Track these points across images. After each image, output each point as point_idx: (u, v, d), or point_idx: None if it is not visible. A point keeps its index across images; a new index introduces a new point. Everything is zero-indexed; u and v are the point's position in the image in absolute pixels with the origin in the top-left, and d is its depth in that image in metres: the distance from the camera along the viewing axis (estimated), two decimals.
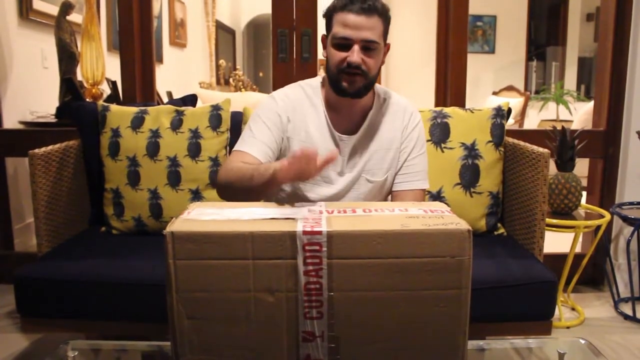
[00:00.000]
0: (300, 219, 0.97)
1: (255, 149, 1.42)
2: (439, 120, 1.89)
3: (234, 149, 1.47)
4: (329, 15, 1.42)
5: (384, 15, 1.39)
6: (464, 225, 0.94)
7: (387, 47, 1.46)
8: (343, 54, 1.38)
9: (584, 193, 2.32)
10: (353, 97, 1.43)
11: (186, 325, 0.94)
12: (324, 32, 1.47)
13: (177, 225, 0.94)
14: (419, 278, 0.93)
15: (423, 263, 0.93)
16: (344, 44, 1.37)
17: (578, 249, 2.31)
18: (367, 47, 1.37)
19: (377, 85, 1.52)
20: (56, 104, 2.71)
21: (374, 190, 1.52)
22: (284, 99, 1.50)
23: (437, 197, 1.84)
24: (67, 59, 2.67)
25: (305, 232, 0.91)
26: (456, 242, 0.93)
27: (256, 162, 1.39)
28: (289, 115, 1.49)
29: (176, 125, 1.92)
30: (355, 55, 1.36)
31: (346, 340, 0.95)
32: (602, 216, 2.21)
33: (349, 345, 0.95)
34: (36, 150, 1.78)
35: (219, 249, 0.92)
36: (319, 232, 0.91)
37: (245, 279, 0.92)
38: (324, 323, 0.94)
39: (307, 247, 0.91)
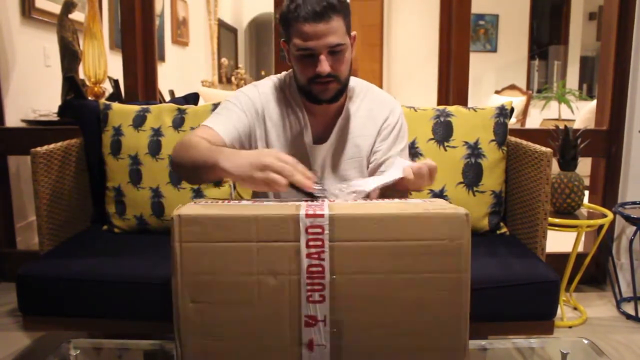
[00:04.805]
0: (303, 204, 0.99)
1: (221, 127, 1.33)
2: (442, 119, 1.89)
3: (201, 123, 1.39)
4: (284, 21, 1.30)
5: (343, 10, 1.28)
6: (461, 209, 0.97)
7: (353, 37, 1.36)
8: (310, 65, 1.29)
9: (587, 192, 2.31)
10: (329, 103, 1.37)
11: (190, 308, 0.96)
12: (283, 39, 1.36)
13: (184, 209, 0.96)
14: (419, 261, 0.96)
15: (423, 246, 0.95)
16: (309, 55, 1.28)
17: (580, 249, 2.31)
18: (334, 51, 1.28)
19: (352, 83, 1.43)
20: (58, 102, 2.71)
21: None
22: (264, 93, 1.43)
23: (439, 195, 1.84)
24: (70, 57, 2.67)
25: (307, 215, 0.94)
26: (455, 225, 0.95)
27: (219, 140, 1.31)
28: (266, 110, 1.42)
29: (178, 123, 1.92)
30: (323, 65, 1.27)
31: (348, 325, 0.96)
32: (604, 215, 2.20)
33: (351, 330, 0.97)
34: (38, 149, 1.78)
35: (224, 232, 0.94)
36: (321, 215, 0.94)
37: (249, 261, 0.94)
38: (326, 306, 0.95)
39: (309, 230, 0.93)
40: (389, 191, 1.25)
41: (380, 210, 0.96)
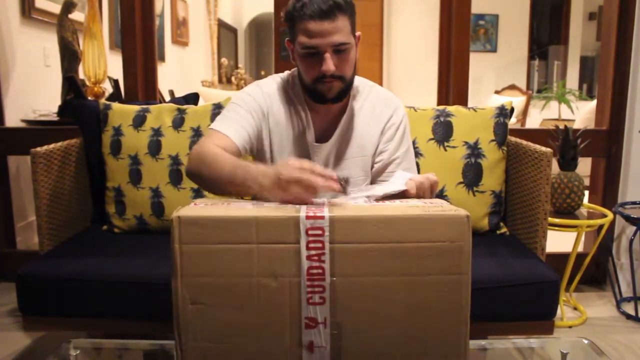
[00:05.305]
0: (303, 207, 0.99)
1: (232, 132, 1.33)
2: (442, 119, 1.89)
3: (209, 126, 1.38)
4: (290, 20, 1.31)
5: (349, 9, 1.28)
6: (462, 211, 0.96)
7: (358, 37, 1.36)
8: (315, 64, 1.30)
9: (587, 192, 2.31)
10: (333, 102, 1.37)
11: (190, 310, 0.95)
12: (288, 38, 1.37)
13: (184, 210, 0.96)
14: (419, 263, 0.95)
15: (423, 248, 0.95)
16: (314, 53, 1.29)
17: (580, 249, 2.31)
18: (338, 50, 1.29)
19: (355, 82, 1.44)
20: (58, 102, 2.72)
21: None
22: (268, 93, 1.43)
23: (439, 195, 1.84)
24: (69, 57, 2.67)
25: (308, 217, 0.93)
26: (455, 227, 0.95)
27: (233, 147, 1.32)
28: (271, 111, 1.42)
29: (178, 123, 1.92)
30: (328, 64, 1.28)
31: (349, 327, 0.96)
32: (604, 215, 2.20)
33: (351, 332, 0.96)
34: (38, 149, 1.78)
35: (224, 234, 0.94)
36: (322, 217, 0.93)
37: (249, 263, 0.94)
38: (326, 309, 0.95)
39: (310, 232, 0.93)
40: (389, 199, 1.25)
41: (381, 212, 0.96)
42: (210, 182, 1.23)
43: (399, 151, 1.46)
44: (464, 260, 0.95)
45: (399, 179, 1.23)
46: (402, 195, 1.20)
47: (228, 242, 0.94)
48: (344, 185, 1.05)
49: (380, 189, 1.19)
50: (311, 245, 0.93)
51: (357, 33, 1.36)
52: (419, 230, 0.94)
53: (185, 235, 0.93)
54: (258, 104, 1.41)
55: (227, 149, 1.29)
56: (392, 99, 1.50)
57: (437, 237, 0.94)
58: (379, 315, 0.96)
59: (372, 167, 1.47)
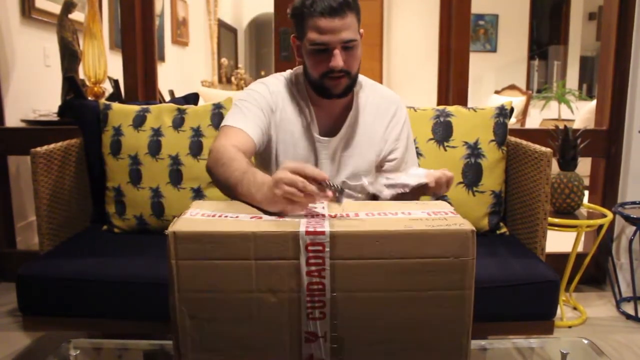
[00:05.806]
0: (303, 220, 0.97)
1: (249, 128, 1.36)
2: (441, 119, 1.89)
3: (223, 123, 1.39)
4: (298, 16, 1.34)
5: (356, 7, 1.33)
6: (467, 225, 0.94)
7: (361, 35, 1.39)
8: (323, 60, 1.33)
9: (586, 192, 2.31)
10: (339, 97, 1.40)
11: (188, 324, 0.94)
12: (294, 34, 1.40)
13: (179, 225, 0.94)
14: (422, 279, 0.93)
15: (426, 264, 0.93)
16: (323, 49, 1.32)
17: (580, 249, 2.31)
18: (347, 46, 1.33)
19: (358, 79, 1.46)
20: (58, 102, 2.71)
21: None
22: (274, 91, 1.45)
23: (439, 196, 1.83)
24: (69, 57, 2.67)
25: (308, 233, 0.91)
26: (459, 242, 0.92)
27: (250, 143, 1.34)
28: (277, 108, 1.44)
29: (178, 123, 1.92)
30: (337, 60, 1.31)
31: (349, 341, 0.95)
32: (604, 215, 2.20)
33: (352, 346, 0.95)
34: (38, 149, 1.78)
35: (221, 249, 0.92)
36: (322, 233, 0.91)
37: (247, 279, 0.92)
38: (326, 324, 0.94)
39: (309, 248, 0.91)
40: (405, 194, 1.27)
41: (382, 227, 0.94)
42: (221, 185, 1.24)
43: (407, 149, 1.52)
44: (467, 275, 0.93)
45: (416, 172, 1.28)
46: (421, 188, 1.25)
47: (225, 258, 0.91)
48: (336, 194, 1.01)
49: (407, 179, 1.21)
50: (311, 261, 0.91)
51: (361, 30, 1.39)
52: (421, 246, 0.92)
53: (181, 251, 0.91)
54: (266, 101, 1.43)
55: (244, 146, 1.31)
56: (394, 96, 1.54)
57: (440, 253, 0.92)
58: (379, 329, 0.95)
59: (376, 163, 1.50)
